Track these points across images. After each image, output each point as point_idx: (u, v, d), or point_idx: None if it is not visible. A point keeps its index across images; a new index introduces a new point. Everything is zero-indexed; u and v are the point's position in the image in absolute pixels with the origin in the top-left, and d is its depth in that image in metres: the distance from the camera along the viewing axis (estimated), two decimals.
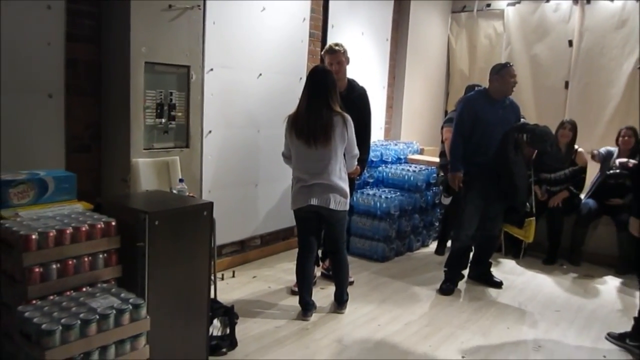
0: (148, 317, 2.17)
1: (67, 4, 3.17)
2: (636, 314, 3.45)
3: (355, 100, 3.97)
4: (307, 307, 3.67)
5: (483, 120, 4.12)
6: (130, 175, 3.26)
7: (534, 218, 4.42)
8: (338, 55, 3.98)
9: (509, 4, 6.62)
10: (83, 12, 3.31)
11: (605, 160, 5.29)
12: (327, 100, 3.42)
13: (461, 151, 4.19)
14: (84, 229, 2.24)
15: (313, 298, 3.73)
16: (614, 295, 4.45)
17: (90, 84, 3.40)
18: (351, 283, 4.20)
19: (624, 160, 5.01)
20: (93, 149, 3.46)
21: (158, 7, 3.30)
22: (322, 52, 4.17)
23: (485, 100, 4.19)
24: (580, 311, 4.05)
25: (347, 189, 3.57)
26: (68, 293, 2.18)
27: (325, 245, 3.94)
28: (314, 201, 3.48)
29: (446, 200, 5.23)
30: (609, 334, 3.59)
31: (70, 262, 2.18)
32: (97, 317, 1.99)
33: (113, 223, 2.35)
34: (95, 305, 2.06)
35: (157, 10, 3.29)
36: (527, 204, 4.36)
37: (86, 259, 2.24)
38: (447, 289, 4.26)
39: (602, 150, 5.34)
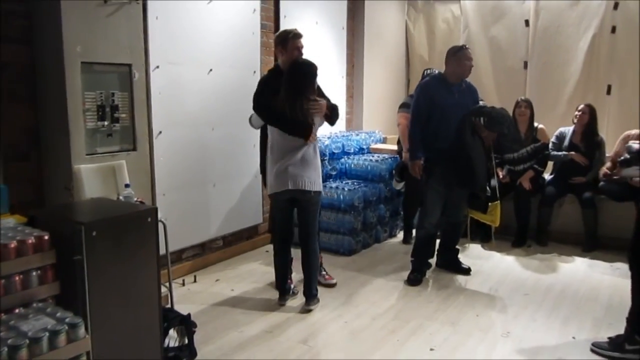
0: (88, 336, 2.02)
1: None
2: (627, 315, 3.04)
3: None
4: (283, 292, 3.79)
5: (440, 105, 4.05)
6: (73, 182, 3.08)
7: (498, 202, 4.35)
8: (301, 40, 3.77)
9: None
10: (12, 11, 3.09)
11: (558, 140, 5.28)
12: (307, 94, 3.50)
13: (419, 138, 4.11)
14: (12, 245, 2.07)
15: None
16: (582, 274, 4.43)
17: (25, 88, 3.19)
18: (333, 285, 4.09)
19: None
20: (32, 157, 3.25)
21: (92, 2, 3.10)
22: (287, 37, 3.72)
23: (441, 84, 4.13)
24: (549, 292, 4.01)
25: (320, 167, 3.64)
26: None
27: (298, 232, 3.80)
28: (290, 184, 3.52)
29: (398, 186, 5.19)
30: (594, 345, 3.09)
31: None
32: (27, 341, 1.83)
33: (46, 237, 2.18)
34: (26, 328, 1.90)
35: (91, 6, 3.09)
36: (488, 188, 4.30)
37: (17, 278, 2.07)
38: (415, 279, 4.18)
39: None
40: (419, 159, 4.12)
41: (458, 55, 4.07)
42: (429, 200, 4.17)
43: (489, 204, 4.34)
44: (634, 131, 4.86)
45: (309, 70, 3.55)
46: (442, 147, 4.05)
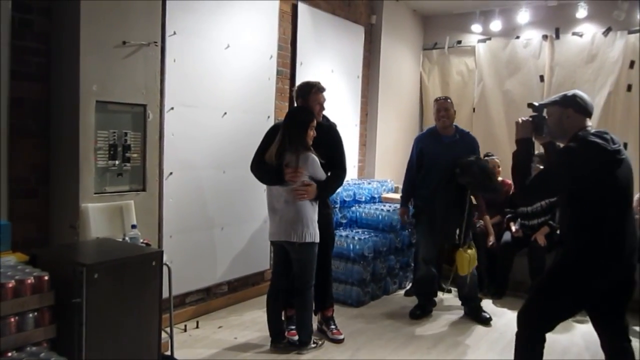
0: None
1: (13, 40, 2.99)
2: None
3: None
4: (273, 337, 3.75)
5: (426, 155, 4.34)
6: (80, 221, 3.03)
7: (461, 250, 4.25)
8: (324, 95, 3.79)
9: (479, 41, 6.61)
10: (30, 49, 3.12)
11: None
12: (304, 141, 3.49)
13: (407, 187, 4.56)
14: (10, 285, 2.00)
15: None
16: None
17: (38, 124, 3.18)
18: (341, 341, 3.93)
19: None
20: (40, 194, 3.21)
21: (111, 43, 3.14)
22: (309, 91, 3.72)
23: (431, 135, 4.44)
24: (565, 355, 3.85)
25: (313, 216, 3.55)
26: None
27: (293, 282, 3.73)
28: (280, 236, 3.56)
29: None
30: None
31: None
32: None
33: (46, 277, 2.11)
34: None
35: (109, 47, 3.13)
36: (456, 236, 4.31)
37: (12, 320, 1.99)
38: (413, 313, 4.49)
39: None
40: (404, 206, 4.60)
41: (433, 107, 4.41)
42: (418, 245, 4.56)
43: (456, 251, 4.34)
44: None
45: (295, 117, 3.58)
46: (426, 194, 4.31)
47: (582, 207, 2.60)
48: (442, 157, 4.22)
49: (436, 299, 4.67)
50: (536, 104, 2.84)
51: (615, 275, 2.59)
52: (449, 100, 4.39)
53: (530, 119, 2.80)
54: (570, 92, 2.76)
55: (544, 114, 2.80)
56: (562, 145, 2.76)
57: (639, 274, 2.69)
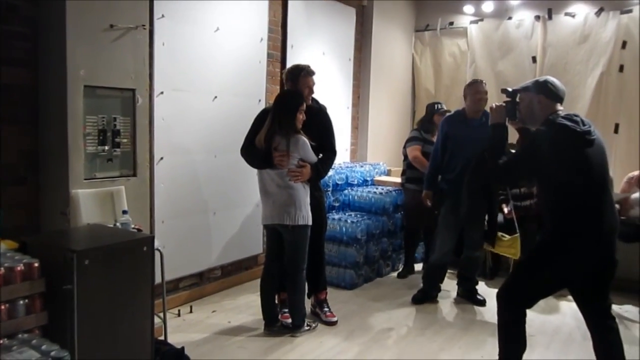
0: None
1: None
2: None
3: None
4: (267, 321, 3.75)
5: (452, 138, 4.23)
6: (70, 208, 3.01)
7: (517, 235, 4.33)
8: (313, 78, 3.78)
9: (471, 22, 6.57)
10: (17, 34, 3.06)
11: None
12: (293, 125, 3.47)
13: (432, 170, 4.40)
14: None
15: None
16: None
17: (26, 111, 3.13)
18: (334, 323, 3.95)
19: None
20: (30, 181, 3.18)
21: (98, 27, 3.08)
22: (298, 74, 3.71)
23: (458, 119, 4.30)
24: (556, 334, 3.89)
25: (306, 199, 3.57)
26: None
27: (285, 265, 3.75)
28: (274, 219, 3.57)
29: None
30: None
31: None
32: None
33: (36, 264, 2.10)
34: None
35: (97, 31, 3.07)
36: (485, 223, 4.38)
37: (3, 307, 1.98)
38: (416, 297, 4.42)
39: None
40: (428, 190, 4.42)
41: (470, 89, 4.26)
42: (438, 230, 4.33)
43: (507, 237, 4.39)
44: (636, 173, 4.83)
45: (284, 101, 3.56)
46: (451, 178, 4.21)
47: (557, 189, 2.63)
48: (468, 141, 4.10)
49: (441, 285, 4.57)
50: (509, 89, 2.85)
51: (594, 254, 2.61)
52: (484, 84, 4.32)
53: (504, 104, 2.80)
54: (542, 78, 2.80)
55: (517, 99, 2.81)
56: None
57: (619, 253, 2.70)
